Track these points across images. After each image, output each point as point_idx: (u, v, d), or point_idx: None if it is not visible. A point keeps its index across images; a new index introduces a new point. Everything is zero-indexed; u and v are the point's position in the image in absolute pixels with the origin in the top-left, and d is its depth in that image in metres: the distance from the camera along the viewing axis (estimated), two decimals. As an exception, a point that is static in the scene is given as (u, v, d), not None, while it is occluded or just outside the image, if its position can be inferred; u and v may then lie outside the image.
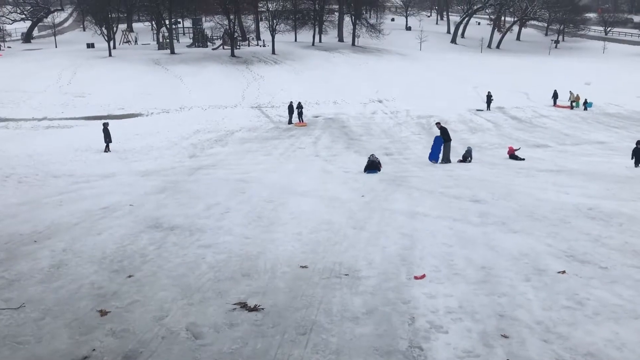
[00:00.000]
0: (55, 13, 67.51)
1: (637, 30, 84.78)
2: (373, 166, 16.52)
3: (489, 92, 37.81)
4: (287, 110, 32.62)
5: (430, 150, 19.52)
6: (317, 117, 34.33)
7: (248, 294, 6.23)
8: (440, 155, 18.88)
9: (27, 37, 63.80)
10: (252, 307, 5.85)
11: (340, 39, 68.13)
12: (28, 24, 65.42)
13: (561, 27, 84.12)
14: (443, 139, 18.81)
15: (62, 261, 7.43)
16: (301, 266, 7.18)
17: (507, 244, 8.05)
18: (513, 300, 6.00)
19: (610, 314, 5.60)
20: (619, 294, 6.10)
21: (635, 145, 17.79)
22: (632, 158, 17.76)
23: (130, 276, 6.85)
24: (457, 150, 22.50)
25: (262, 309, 5.81)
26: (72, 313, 5.75)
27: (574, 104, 38.16)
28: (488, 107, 37.02)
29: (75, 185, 14.45)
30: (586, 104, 37.72)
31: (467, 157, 19.21)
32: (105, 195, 12.36)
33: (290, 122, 32.00)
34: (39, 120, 31.30)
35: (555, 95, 39.34)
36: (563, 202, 11.02)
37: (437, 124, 20.02)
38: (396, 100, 39.98)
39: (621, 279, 6.59)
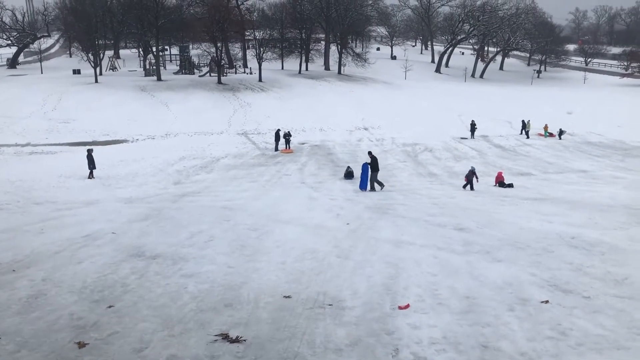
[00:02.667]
0: (42, 39, 67.47)
1: (616, 61, 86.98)
2: (350, 175, 21.80)
3: (472, 121, 38.29)
4: (273, 137, 32.75)
5: (360, 180, 19.60)
6: (303, 144, 34.47)
7: (230, 325, 6.14)
8: (369, 184, 19.14)
9: (13, 63, 63.62)
10: (234, 338, 5.77)
11: (327, 68, 68.94)
12: (14, 49, 65.34)
13: (543, 58, 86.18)
14: (371, 168, 19.09)
15: (41, 291, 7.28)
16: (285, 296, 7.12)
17: (491, 273, 8.07)
18: (497, 330, 5.99)
19: (593, 345, 5.60)
20: (602, 324, 6.12)
21: None
22: None
23: (110, 306, 6.73)
24: (440, 178, 22.70)
25: (244, 340, 5.73)
26: (49, 345, 5.61)
27: (527, 131, 38.28)
28: (472, 135, 37.47)
29: (58, 212, 14.27)
30: (561, 133, 38.11)
31: (470, 179, 19.57)
32: (87, 223, 12.20)
33: (276, 149, 32.09)
34: (23, 145, 31.04)
35: (524, 126, 39.30)
36: (546, 231, 11.12)
37: (369, 153, 20.36)
38: (382, 128, 40.33)
39: (603, 308, 6.62)
